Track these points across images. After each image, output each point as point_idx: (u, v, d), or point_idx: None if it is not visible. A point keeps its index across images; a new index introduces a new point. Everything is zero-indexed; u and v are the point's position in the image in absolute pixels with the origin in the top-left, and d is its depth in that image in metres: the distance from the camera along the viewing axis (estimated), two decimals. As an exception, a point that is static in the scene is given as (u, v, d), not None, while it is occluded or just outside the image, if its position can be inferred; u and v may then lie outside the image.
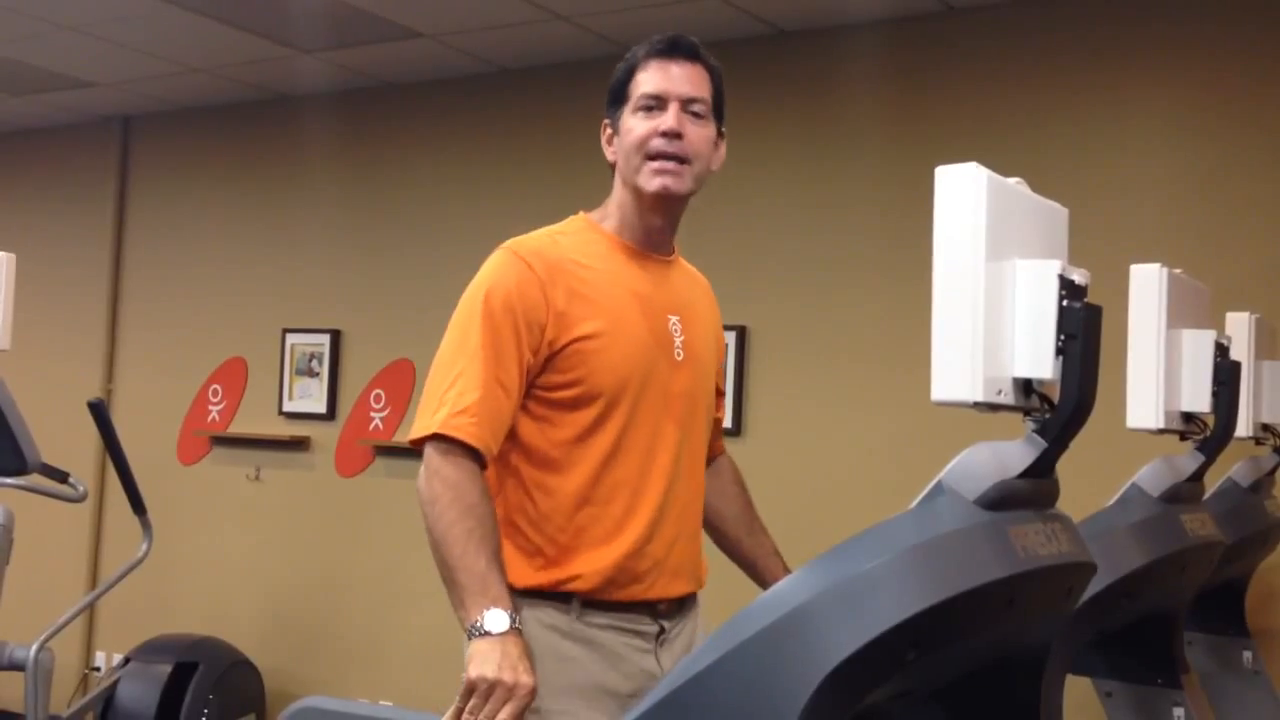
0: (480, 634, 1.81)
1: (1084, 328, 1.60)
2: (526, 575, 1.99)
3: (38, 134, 6.17)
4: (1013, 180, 1.67)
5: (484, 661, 1.79)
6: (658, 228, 2.12)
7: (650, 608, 2.06)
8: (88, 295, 5.86)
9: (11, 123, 6.09)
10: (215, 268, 5.59)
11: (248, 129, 5.58)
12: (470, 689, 1.78)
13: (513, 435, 2.01)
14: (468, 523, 1.87)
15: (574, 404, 2.00)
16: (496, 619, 1.82)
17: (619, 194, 2.12)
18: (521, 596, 1.96)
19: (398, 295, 5.09)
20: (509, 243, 2.06)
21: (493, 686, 1.77)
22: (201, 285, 5.62)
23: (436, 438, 1.91)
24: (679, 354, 2.10)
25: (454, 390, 1.93)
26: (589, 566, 1.99)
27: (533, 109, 4.87)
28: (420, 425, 1.94)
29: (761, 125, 4.39)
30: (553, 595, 1.99)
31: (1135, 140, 3.86)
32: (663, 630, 2.07)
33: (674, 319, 2.11)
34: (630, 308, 2.05)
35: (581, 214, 2.16)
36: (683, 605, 2.13)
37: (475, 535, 1.87)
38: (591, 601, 2.00)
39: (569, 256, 2.04)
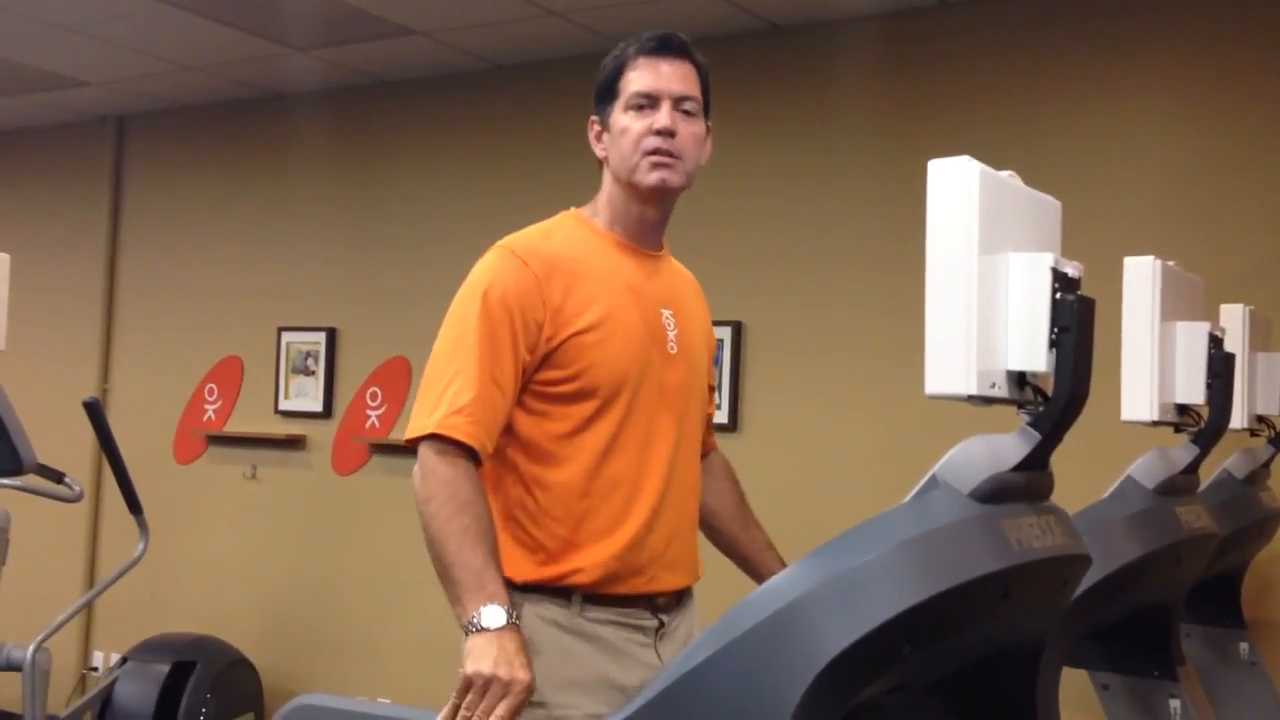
0: (477, 629, 1.81)
1: (1077, 320, 1.60)
2: (527, 570, 1.99)
3: (32, 133, 6.16)
4: (1005, 173, 1.67)
5: (481, 656, 1.78)
6: (651, 221, 2.13)
7: (650, 601, 2.06)
8: (83, 295, 5.86)
9: (5, 122, 6.08)
10: (210, 266, 5.59)
11: (242, 127, 5.57)
12: (467, 685, 1.78)
13: (510, 430, 2.02)
14: (463, 519, 1.87)
15: (573, 398, 2.01)
16: (493, 614, 1.81)
17: (610, 189, 2.13)
18: (522, 592, 1.97)
19: (393, 293, 5.09)
20: (504, 241, 2.06)
21: (489, 682, 1.77)
22: (197, 284, 5.61)
23: (432, 437, 1.91)
24: (673, 347, 2.11)
25: (451, 390, 1.93)
26: (589, 560, 1.99)
27: (527, 105, 4.87)
28: (416, 424, 1.94)
29: (755, 120, 4.39)
30: (553, 590, 2.00)
31: (1128, 133, 3.86)
32: (662, 624, 2.07)
33: (666, 312, 2.12)
34: (625, 301, 2.06)
35: (572, 210, 2.17)
36: (680, 599, 2.13)
37: (471, 531, 1.87)
38: (592, 596, 2.01)
39: (562, 252, 2.05)
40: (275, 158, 5.46)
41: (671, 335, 2.11)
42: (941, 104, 4.10)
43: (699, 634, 2.13)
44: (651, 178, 2.05)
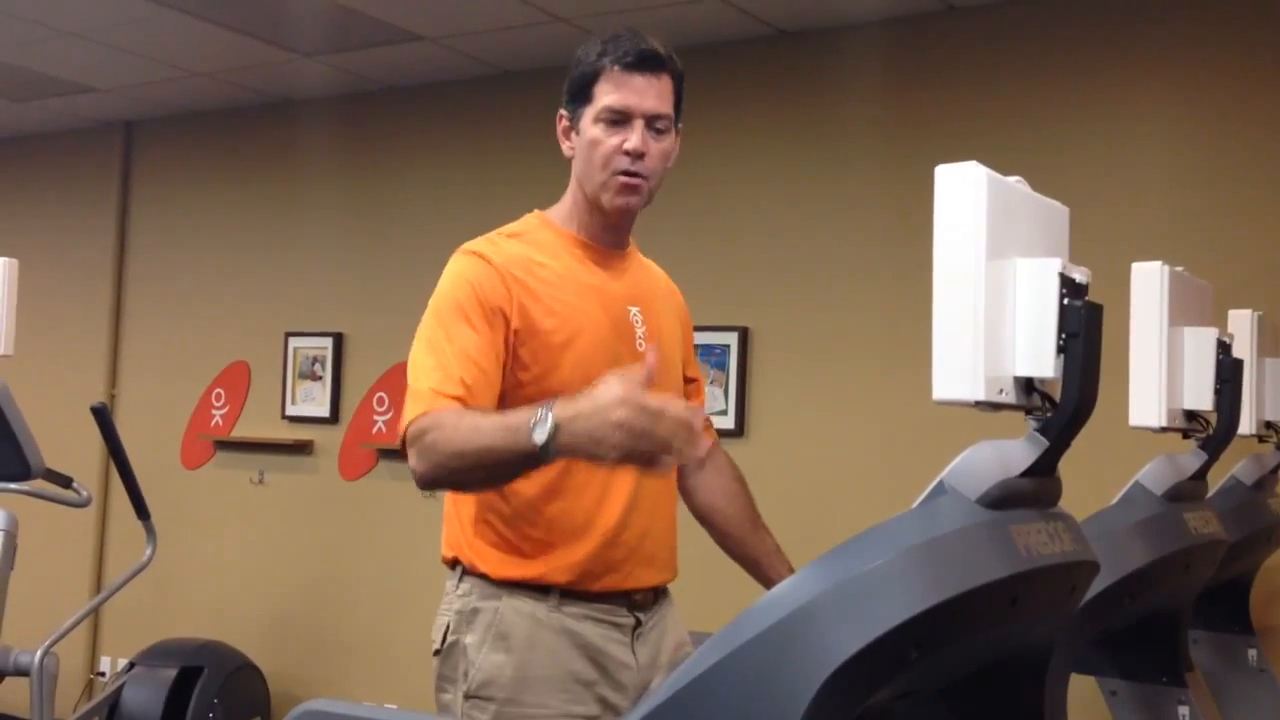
0: (554, 434, 1.67)
1: (1085, 326, 1.59)
2: (503, 568, 2.00)
3: (40, 139, 6.18)
4: (1013, 179, 1.67)
5: (597, 430, 1.63)
6: (613, 228, 2.15)
7: (627, 598, 2.08)
8: (90, 300, 5.87)
9: (14, 128, 6.10)
10: (218, 271, 5.60)
11: (249, 133, 5.58)
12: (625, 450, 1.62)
13: None
14: (466, 419, 1.82)
15: (539, 401, 2.00)
16: (542, 419, 1.68)
17: (575, 194, 2.14)
18: (499, 586, 1.99)
19: (400, 298, 5.08)
20: (465, 246, 2.10)
21: (634, 432, 1.61)
22: (204, 289, 5.63)
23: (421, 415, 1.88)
24: (640, 344, 2.11)
25: (430, 380, 1.92)
26: (564, 560, 2.01)
27: (533, 111, 4.85)
28: (406, 417, 1.91)
29: (762, 126, 4.40)
30: (531, 586, 2.01)
31: (1136, 138, 3.85)
32: (639, 623, 2.09)
33: (634, 309, 2.13)
34: (589, 302, 2.07)
35: (535, 212, 2.19)
36: (657, 597, 2.15)
37: (479, 418, 1.82)
38: (569, 592, 2.02)
39: (526, 254, 2.06)
40: (283, 163, 5.47)
41: (640, 332, 2.12)
42: (949, 109, 4.10)
43: (683, 633, 2.15)
44: (617, 201, 2.06)
